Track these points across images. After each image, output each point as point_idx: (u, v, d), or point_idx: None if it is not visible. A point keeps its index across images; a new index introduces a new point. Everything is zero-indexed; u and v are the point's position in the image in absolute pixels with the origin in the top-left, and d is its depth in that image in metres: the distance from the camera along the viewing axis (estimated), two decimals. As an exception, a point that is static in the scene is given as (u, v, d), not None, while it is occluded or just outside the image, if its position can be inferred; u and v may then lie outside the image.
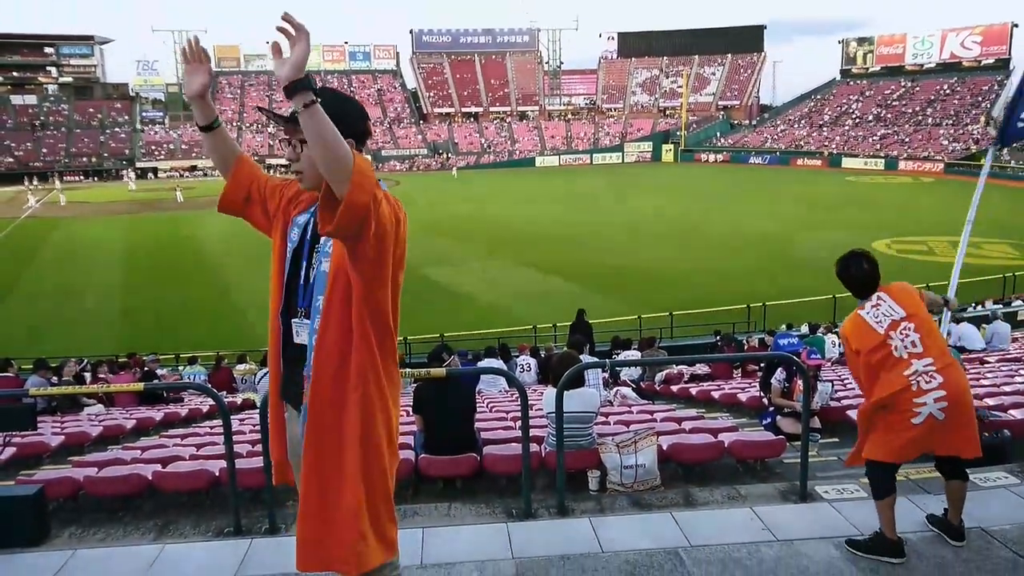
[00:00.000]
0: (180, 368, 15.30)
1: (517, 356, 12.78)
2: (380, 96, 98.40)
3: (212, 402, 7.87)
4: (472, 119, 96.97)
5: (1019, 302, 19.76)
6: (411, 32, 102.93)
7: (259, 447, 5.49)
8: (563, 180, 63.84)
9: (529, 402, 4.45)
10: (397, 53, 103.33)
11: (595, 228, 35.60)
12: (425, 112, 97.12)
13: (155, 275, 28.23)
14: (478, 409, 6.38)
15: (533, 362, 12.48)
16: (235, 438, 6.25)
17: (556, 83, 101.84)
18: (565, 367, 4.76)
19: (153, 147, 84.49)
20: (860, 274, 3.74)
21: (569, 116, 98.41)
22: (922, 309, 3.66)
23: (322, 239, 2.42)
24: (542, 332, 18.18)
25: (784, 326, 16.10)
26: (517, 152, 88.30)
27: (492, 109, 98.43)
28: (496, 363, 11.17)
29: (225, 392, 12.14)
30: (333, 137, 2.00)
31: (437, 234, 34.32)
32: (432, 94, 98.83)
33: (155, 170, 79.88)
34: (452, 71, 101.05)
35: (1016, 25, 77.04)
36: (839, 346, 13.51)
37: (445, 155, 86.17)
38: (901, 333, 3.55)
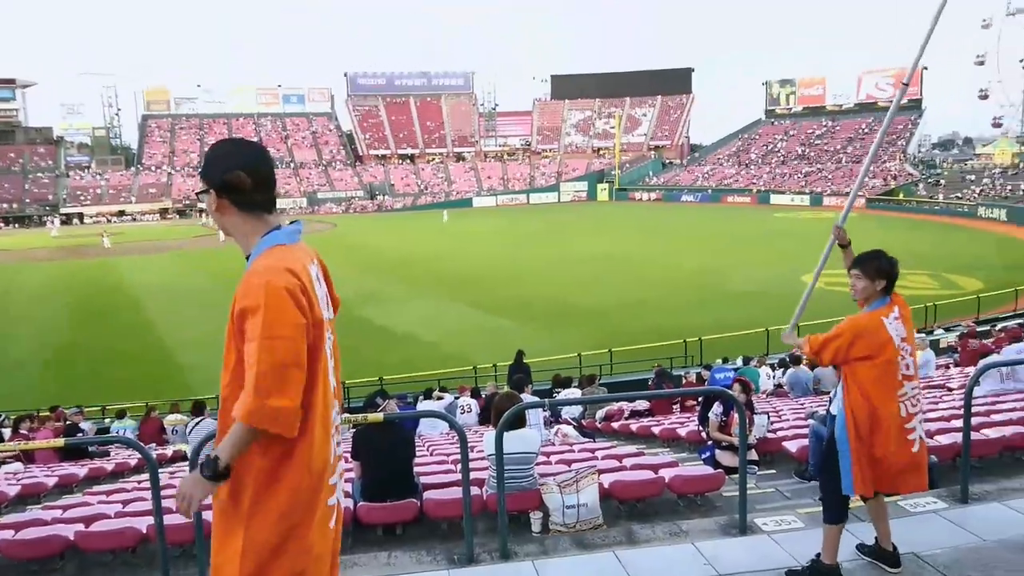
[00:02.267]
0: (107, 421, 14.69)
1: (457, 397, 12.67)
2: (315, 138, 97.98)
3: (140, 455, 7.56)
4: (408, 161, 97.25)
5: (940, 331, 20.56)
6: (346, 75, 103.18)
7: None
8: (500, 219, 64.30)
9: (470, 444, 4.41)
10: (332, 96, 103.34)
11: (534, 266, 35.83)
12: (361, 154, 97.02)
13: (82, 323, 27.21)
14: (418, 453, 6.28)
15: (474, 403, 12.39)
16: (165, 492, 6.01)
17: (492, 124, 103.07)
18: (505, 408, 4.73)
19: (79, 192, 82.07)
20: (896, 273, 3.81)
21: (505, 157, 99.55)
22: (912, 332, 3.81)
23: None
24: (483, 372, 18.10)
25: (720, 360, 16.38)
26: (454, 193, 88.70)
27: (428, 151, 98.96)
28: (435, 406, 11.05)
29: (155, 444, 11.70)
30: (243, 444, 2.09)
31: (376, 274, 34.06)
32: (368, 136, 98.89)
33: (80, 216, 77.49)
34: (388, 113, 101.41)
35: (926, 68, 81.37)
36: (773, 378, 13.81)
37: (382, 196, 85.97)
38: (901, 352, 3.67)
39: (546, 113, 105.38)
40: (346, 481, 5.43)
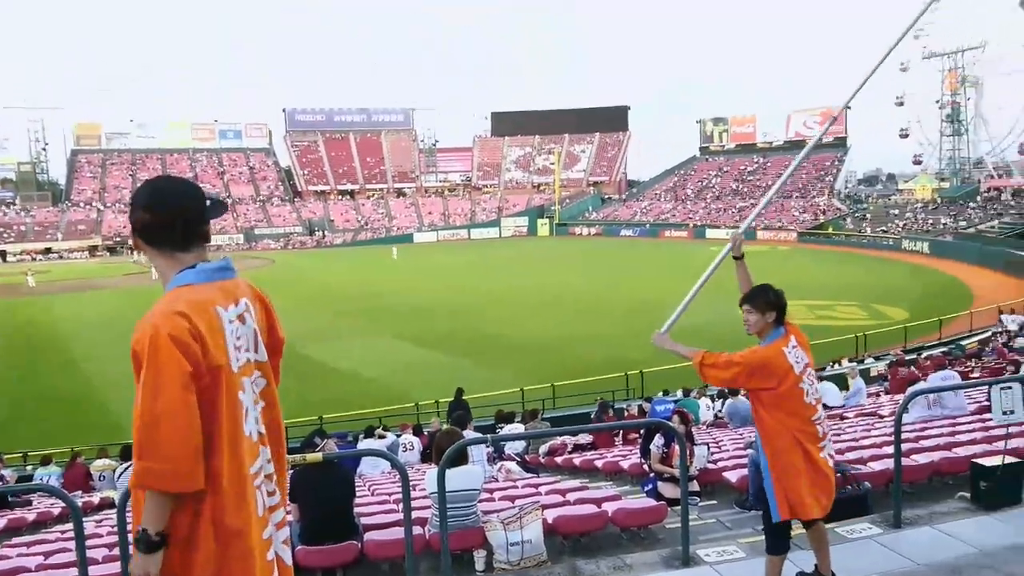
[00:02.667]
0: (30, 468, 14.00)
1: (399, 435, 12.50)
2: (253, 174, 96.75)
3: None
4: (348, 196, 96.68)
5: (871, 360, 21.20)
6: (284, 111, 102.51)
7: (117, 550, 5.06)
8: (442, 254, 64.24)
9: (412, 482, 4.33)
10: (270, 131, 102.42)
11: (476, 301, 35.81)
12: (300, 189, 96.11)
13: (3, 365, 26.04)
14: (359, 493, 6.15)
15: (416, 440, 12.23)
16: (91, 542, 5.73)
17: (432, 160, 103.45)
18: (446, 446, 4.68)
19: (2, 229, 79.08)
20: (784, 303, 3.94)
21: (446, 192, 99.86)
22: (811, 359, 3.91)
23: None
24: (425, 409, 17.90)
25: (660, 392, 16.55)
26: (395, 228, 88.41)
27: (368, 186, 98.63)
28: (377, 445, 10.88)
29: (80, 491, 11.19)
30: (157, 507, 1.98)
31: (316, 311, 33.55)
32: (307, 172, 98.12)
33: (3, 253, 74.57)
34: (327, 149, 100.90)
35: (850, 108, 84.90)
36: (712, 409, 14.00)
37: (321, 232, 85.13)
38: (808, 379, 3.77)
39: (486, 149, 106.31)
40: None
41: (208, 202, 2.22)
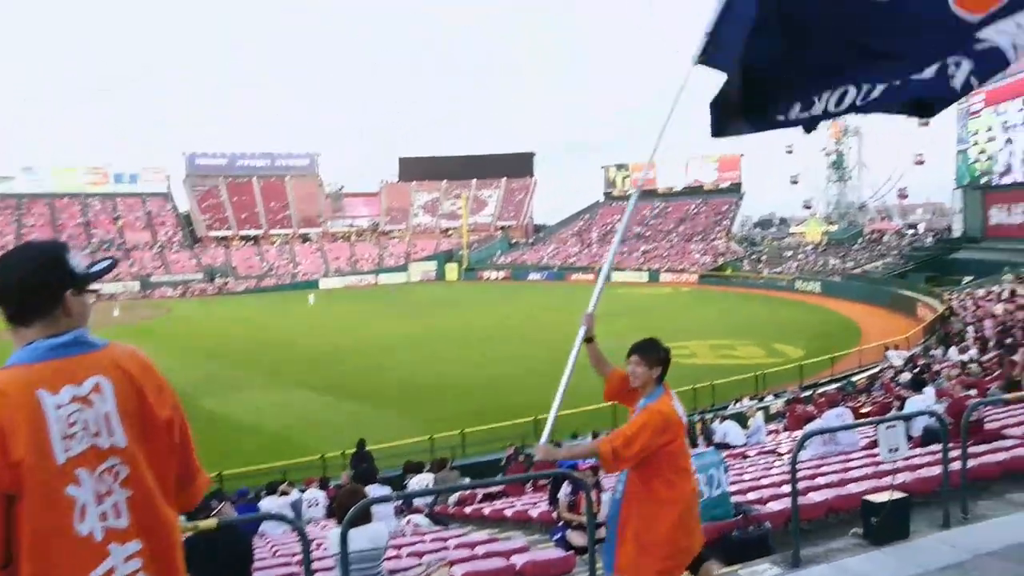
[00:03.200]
0: None
1: (303, 490, 12.08)
2: (150, 219, 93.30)
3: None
4: (251, 242, 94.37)
5: (771, 397, 21.96)
6: (184, 154, 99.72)
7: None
8: (348, 301, 63.27)
9: (318, 540, 4.17)
10: (168, 176, 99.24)
11: (385, 347, 35.32)
12: (200, 236, 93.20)
13: None
14: (259, 555, 5.87)
15: (322, 495, 11.84)
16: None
17: (338, 205, 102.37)
18: (348, 505, 4.54)
19: None
20: (669, 361, 3.99)
21: (353, 237, 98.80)
22: None
23: None
24: (331, 461, 17.42)
25: (570, 436, 16.62)
26: (300, 274, 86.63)
27: (272, 231, 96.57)
28: (280, 502, 10.48)
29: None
30: None
31: (215, 361, 32.38)
32: (207, 217, 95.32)
33: None
34: (229, 193, 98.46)
35: (743, 155, 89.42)
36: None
37: (223, 279, 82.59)
38: (684, 438, 3.82)
39: (394, 194, 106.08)
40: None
41: (76, 267, 1.99)
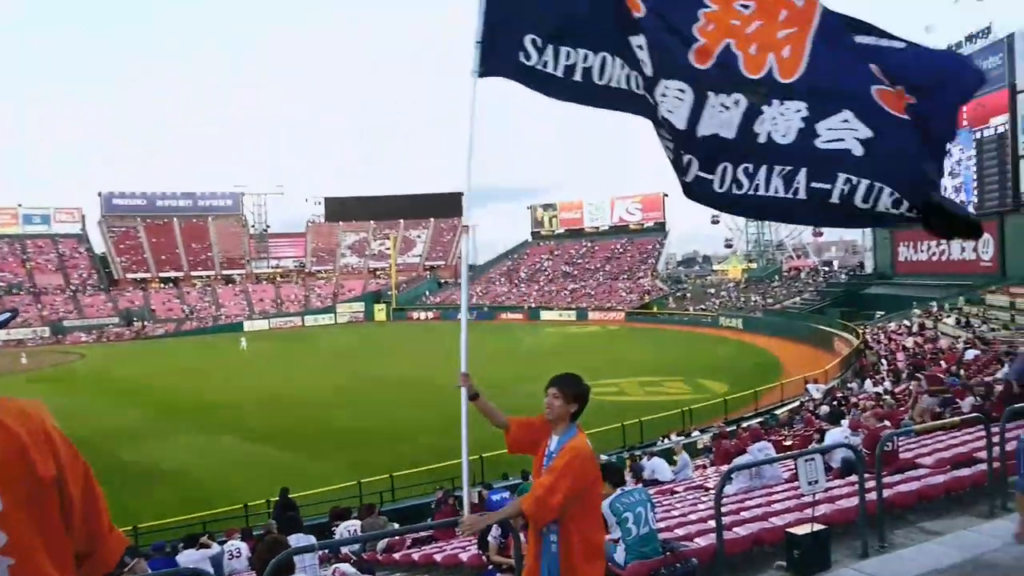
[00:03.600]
0: None
1: (224, 542, 11.61)
2: (62, 261, 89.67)
3: None
4: (171, 284, 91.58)
5: (697, 433, 22.29)
6: (100, 194, 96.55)
7: None
8: (272, 343, 61.82)
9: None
10: (83, 216, 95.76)
11: (311, 391, 34.52)
12: (116, 278, 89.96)
13: None
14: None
15: (244, 546, 11.39)
16: None
17: (263, 246, 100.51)
18: (267, 559, 4.37)
19: None
20: (587, 401, 3.87)
21: (278, 279, 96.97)
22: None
23: None
24: (255, 509, 16.82)
25: (501, 476, 16.50)
26: (223, 317, 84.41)
27: (194, 273, 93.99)
28: (198, 556, 10.04)
29: None
30: None
31: (132, 408, 31.10)
32: (125, 259, 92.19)
33: None
34: (148, 235, 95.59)
35: (667, 195, 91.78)
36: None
37: (141, 323, 79.73)
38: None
39: (320, 235, 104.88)
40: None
41: None
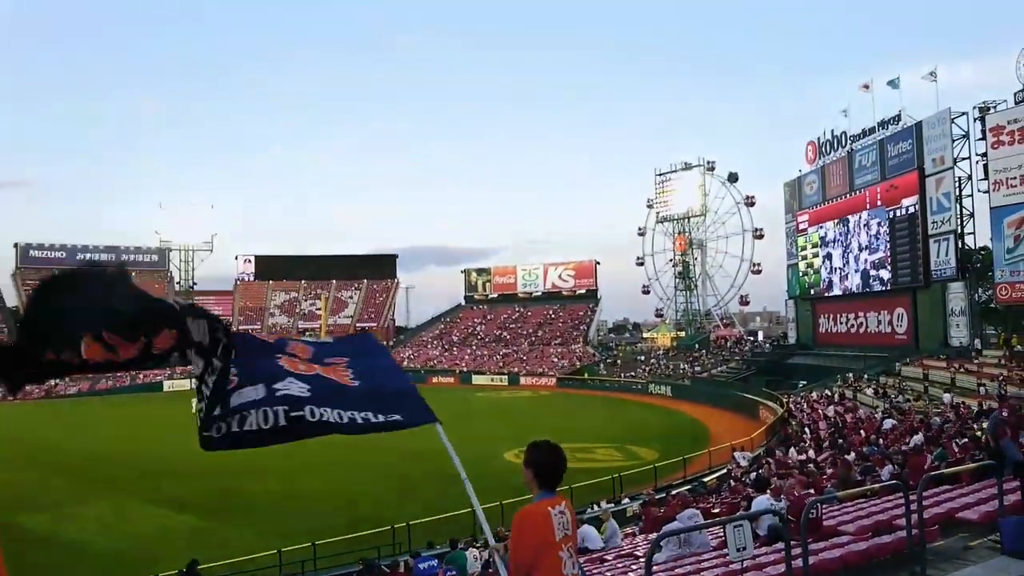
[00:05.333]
0: None
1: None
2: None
3: None
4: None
5: (627, 500, 22.26)
6: (16, 246, 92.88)
7: None
8: (190, 405, 59.56)
9: None
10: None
11: (230, 456, 33.22)
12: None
13: None
14: None
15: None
16: None
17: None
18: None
19: None
20: (555, 463, 3.65)
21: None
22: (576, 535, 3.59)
23: None
24: (166, 582, 15.93)
25: (426, 544, 16.10)
26: (142, 376, 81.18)
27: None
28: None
29: None
30: None
31: (34, 472, 29.38)
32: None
33: None
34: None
35: (599, 263, 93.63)
36: (479, 560, 13.79)
37: (53, 380, 75.94)
38: (568, 551, 3.44)
39: (249, 293, 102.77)
40: None
41: None
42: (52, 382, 74.90)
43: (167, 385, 77.66)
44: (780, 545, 7.74)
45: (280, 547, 17.42)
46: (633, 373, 69.97)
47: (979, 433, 15.42)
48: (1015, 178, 36.73)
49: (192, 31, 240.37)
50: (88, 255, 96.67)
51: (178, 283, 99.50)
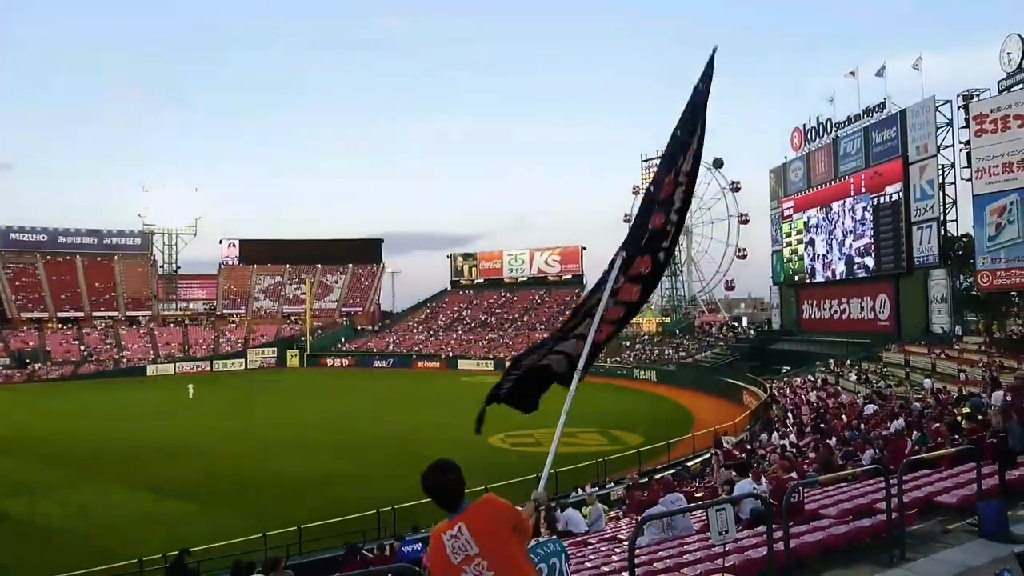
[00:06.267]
0: None
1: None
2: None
3: None
4: (71, 325, 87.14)
5: (611, 484, 22.41)
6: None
7: None
8: (177, 389, 59.37)
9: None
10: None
11: (214, 438, 33.20)
12: (10, 317, 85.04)
13: None
14: None
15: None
16: None
17: (172, 287, 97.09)
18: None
19: None
20: (439, 486, 3.45)
21: (187, 321, 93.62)
22: (502, 544, 3.30)
23: None
24: (151, 565, 15.90)
25: (411, 528, 16.14)
26: (125, 360, 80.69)
27: (96, 314, 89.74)
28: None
29: None
30: None
31: (16, 458, 29.19)
32: (20, 297, 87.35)
33: None
34: (47, 272, 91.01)
35: (585, 248, 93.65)
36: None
37: (34, 365, 75.38)
38: (474, 569, 3.26)
39: (233, 277, 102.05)
40: None
41: None
42: (34, 367, 74.38)
43: (150, 369, 77.21)
44: (762, 528, 7.82)
45: (265, 531, 17.44)
46: (618, 358, 70.21)
47: (959, 419, 15.62)
48: (997, 166, 37.02)
49: (177, 10, 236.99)
50: (70, 238, 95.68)
51: (161, 267, 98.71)
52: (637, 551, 7.04)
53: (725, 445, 25.37)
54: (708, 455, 25.10)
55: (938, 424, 15.66)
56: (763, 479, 11.39)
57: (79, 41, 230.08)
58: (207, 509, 21.49)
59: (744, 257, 77.74)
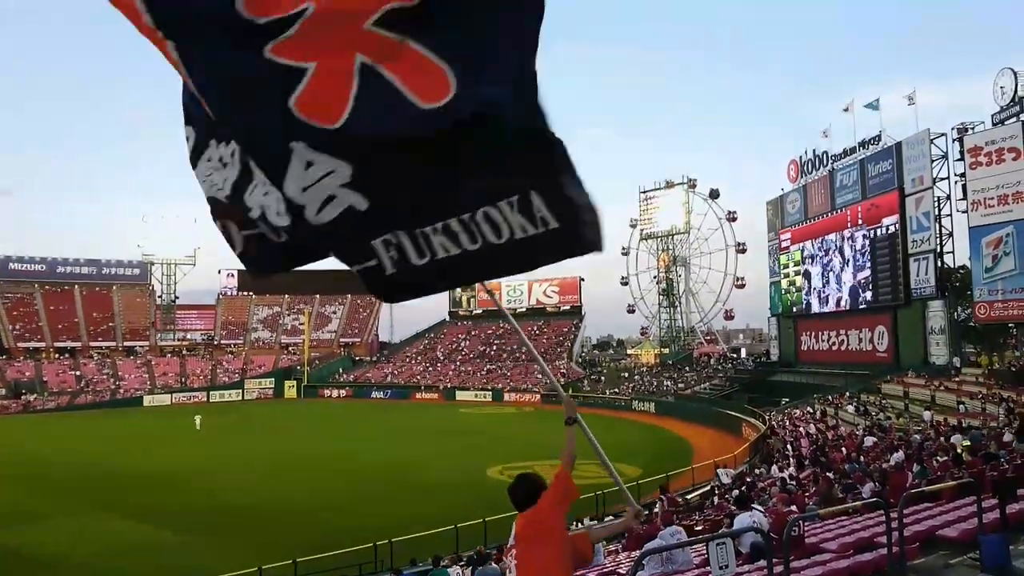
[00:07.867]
0: None
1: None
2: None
3: None
4: (68, 355, 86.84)
5: (610, 517, 22.18)
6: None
7: None
8: (173, 419, 59.00)
9: None
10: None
11: (210, 469, 32.91)
12: (7, 347, 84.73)
13: None
14: None
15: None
16: None
17: (170, 317, 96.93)
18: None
19: None
20: (513, 496, 4.25)
21: (184, 352, 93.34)
22: (535, 538, 3.97)
23: None
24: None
25: (410, 561, 15.98)
26: (122, 391, 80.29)
27: (93, 344, 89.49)
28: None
29: None
30: None
31: (10, 486, 28.91)
32: (18, 327, 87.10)
33: None
34: (45, 302, 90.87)
35: (583, 279, 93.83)
36: (462, 577, 13.71)
37: (29, 395, 74.96)
38: (510, 558, 3.90)
39: (232, 307, 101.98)
40: None
41: None
42: (28, 396, 73.97)
43: (147, 400, 76.79)
44: (762, 563, 7.75)
45: (260, 564, 17.25)
46: (616, 390, 69.97)
47: (960, 451, 15.57)
48: (993, 199, 37.29)
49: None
50: (69, 268, 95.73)
51: (160, 297, 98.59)
52: (637, 585, 6.97)
53: (724, 478, 25.21)
54: (709, 486, 24.94)
55: (944, 457, 15.61)
56: (764, 512, 11.31)
57: (80, 73, 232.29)
58: (205, 541, 21.23)
59: (743, 286, 77.90)
